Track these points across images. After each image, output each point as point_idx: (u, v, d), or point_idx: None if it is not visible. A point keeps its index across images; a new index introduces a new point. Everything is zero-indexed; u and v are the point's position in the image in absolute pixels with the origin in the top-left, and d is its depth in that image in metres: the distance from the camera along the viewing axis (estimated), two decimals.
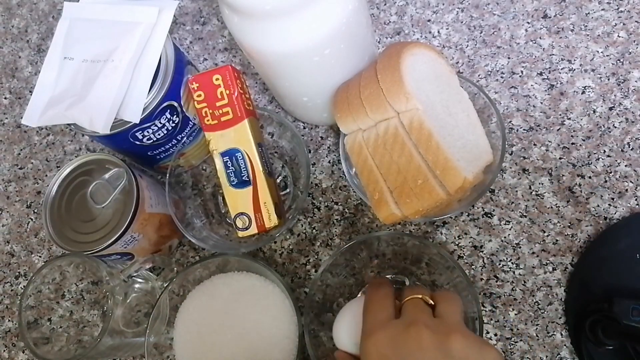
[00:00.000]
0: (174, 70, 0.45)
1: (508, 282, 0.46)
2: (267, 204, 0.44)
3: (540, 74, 0.52)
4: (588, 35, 0.53)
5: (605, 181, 0.47)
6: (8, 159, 0.64)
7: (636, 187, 0.47)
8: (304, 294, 0.49)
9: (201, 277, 0.47)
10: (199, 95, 0.42)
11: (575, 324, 0.43)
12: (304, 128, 0.56)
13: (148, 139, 0.46)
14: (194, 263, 0.45)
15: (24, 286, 0.57)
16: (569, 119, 0.50)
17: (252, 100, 0.48)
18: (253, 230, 0.45)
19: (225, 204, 0.53)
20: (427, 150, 0.38)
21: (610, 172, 0.48)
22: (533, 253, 0.47)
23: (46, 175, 0.62)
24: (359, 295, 0.47)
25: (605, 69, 0.51)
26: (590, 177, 0.48)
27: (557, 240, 0.47)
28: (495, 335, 0.45)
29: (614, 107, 0.50)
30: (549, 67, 0.52)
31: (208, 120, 0.42)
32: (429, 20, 0.57)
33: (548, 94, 0.51)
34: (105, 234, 0.44)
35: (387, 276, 0.48)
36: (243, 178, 0.44)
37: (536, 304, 0.45)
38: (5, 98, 0.67)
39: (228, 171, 0.44)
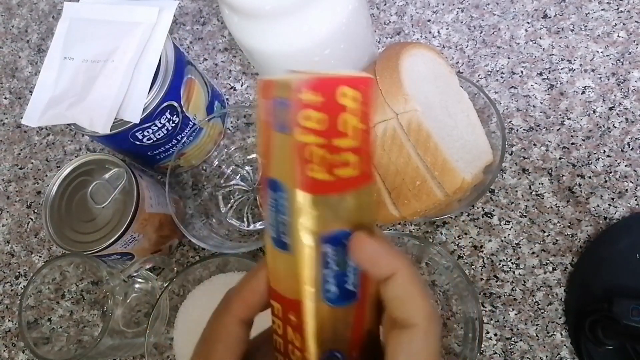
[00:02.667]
0: (174, 71, 0.45)
1: (508, 282, 0.46)
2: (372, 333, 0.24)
3: (540, 74, 0.52)
4: (588, 35, 0.53)
5: (605, 181, 0.47)
6: (8, 159, 0.64)
7: (636, 187, 0.47)
8: None
9: (201, 277, 0.47)
10: (316, 121, 0.19)
11: (575, 324, 0.43)
12: None
13: (148, 139, 0.46)
14: (194, 263, 0.45)
15: (24, 286, 0.57)
16: (569, 119, 0.50)
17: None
18: None
19: (225, 205, 0.53)
20: (425, 151, 0.38)
21: (610, 172, 0.48)
22: (533, 253, 0.47)
23: (46, 175, 0.62)
24: None
25: (605, 69, 0.51)
26: (590, 177, 0.48)
27: (557, 240, 0.47)
28: (495, 335, 0.45)
29: (613, 107, 0.50)
30: (549, 67, 0.52)
31: (315, 171, 0.20)
32: (429, 20, 0.57)
33: (548, 94, 0.51)
34: (105, 234, 0.44)
35: None
36: (346, 287, 0.23)
37: (536, 304, 0.45)
38: (5, 98, 0.68)
39: (326, 272, 0.22)
